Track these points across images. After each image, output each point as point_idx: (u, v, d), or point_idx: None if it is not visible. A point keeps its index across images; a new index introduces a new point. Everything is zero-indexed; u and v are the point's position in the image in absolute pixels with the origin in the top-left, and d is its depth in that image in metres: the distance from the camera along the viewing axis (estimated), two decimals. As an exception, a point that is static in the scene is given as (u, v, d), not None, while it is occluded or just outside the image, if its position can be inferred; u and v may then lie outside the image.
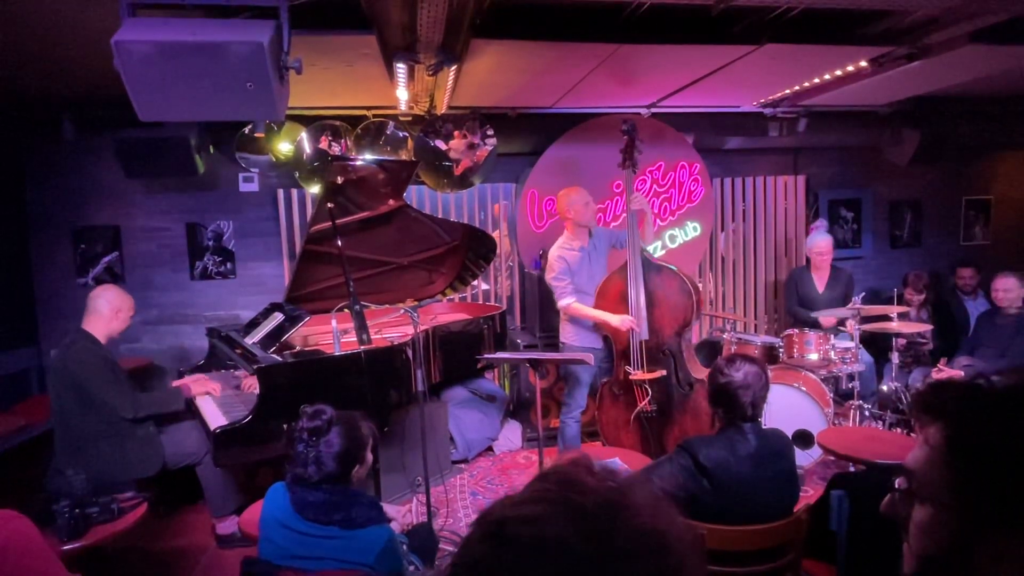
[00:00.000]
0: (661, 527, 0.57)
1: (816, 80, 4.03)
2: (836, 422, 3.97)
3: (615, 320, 3.57)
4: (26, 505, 1.95)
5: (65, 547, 2.31)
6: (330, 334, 3.23)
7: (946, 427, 0.78)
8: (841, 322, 4.57)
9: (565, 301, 3.71)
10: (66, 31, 2.83)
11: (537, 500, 0.57)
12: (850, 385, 4.18)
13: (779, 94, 4.47)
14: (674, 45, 3.19)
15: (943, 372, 4.05)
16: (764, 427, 2.04)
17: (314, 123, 4.45)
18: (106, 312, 3.11)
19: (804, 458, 3.70)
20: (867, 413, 4.17)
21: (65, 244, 4.69)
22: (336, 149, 4.46)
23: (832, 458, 3.54)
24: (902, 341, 4.29)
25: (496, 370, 5.11)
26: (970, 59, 3.44)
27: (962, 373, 4.01)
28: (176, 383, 3.30)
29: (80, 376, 2.93)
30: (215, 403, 3.21)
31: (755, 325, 5.75)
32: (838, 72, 3.82)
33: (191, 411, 3.26)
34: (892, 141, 5.24)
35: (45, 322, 4.68)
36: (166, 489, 3.52)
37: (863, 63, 3.61)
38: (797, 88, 4.26)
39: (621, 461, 2.73)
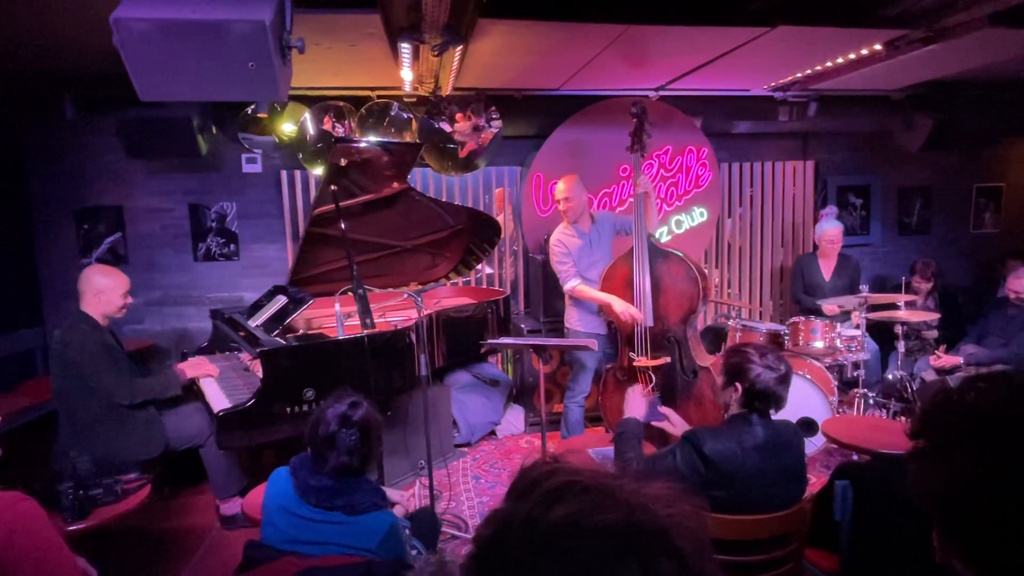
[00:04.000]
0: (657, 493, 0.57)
1: (829, 64, 3.95)
2: (840, 410, 3.95)
3: (618, 305, 3.52)
4: (30, 486, 1.95)
5: (69, 528, 2.32)
6: (333, 317, 3.22)
7: (982, 459, 0.65)
8: (846, 314, 4.53)
9: (570, 284, 3.68)
10: (66, 8, 2.77)
11: (560, 496, 0.55)
12: (855, 373, 4.16)
13: (790, 77, 4.40)
14: (685, 26, 3.12)
15: (941, 359, 4.03)
16: (772, 418, 2.01)
17: (318, 104, 4.39)
18: (91, 293, 3.08)
19: (808, 446, 3.69)
20: (871, 401, 4.15)
21: (68, 225, 4.68)
22: (340, 130, 4.41)
23: (835, 446, 3.53)
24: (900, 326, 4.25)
25: (499, 355, 5.10)
26: (988, 42, 3.36)
27: (961, 360, 3.99)
28: (176, 366, 3.29)
29: (78, 362, 2.92)
30: (219, 385, 3.20)
31: (760, 312, 5.72)
32: (852, 55, 3.75)
33: (195, 393, 3.26)
34: (904, 127, 5.16)
35: (49, 303, 4.69)
36: (170, 470, 3.54)
37: (878, 46, 3.53)
38: (809, 72, 4.18)
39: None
